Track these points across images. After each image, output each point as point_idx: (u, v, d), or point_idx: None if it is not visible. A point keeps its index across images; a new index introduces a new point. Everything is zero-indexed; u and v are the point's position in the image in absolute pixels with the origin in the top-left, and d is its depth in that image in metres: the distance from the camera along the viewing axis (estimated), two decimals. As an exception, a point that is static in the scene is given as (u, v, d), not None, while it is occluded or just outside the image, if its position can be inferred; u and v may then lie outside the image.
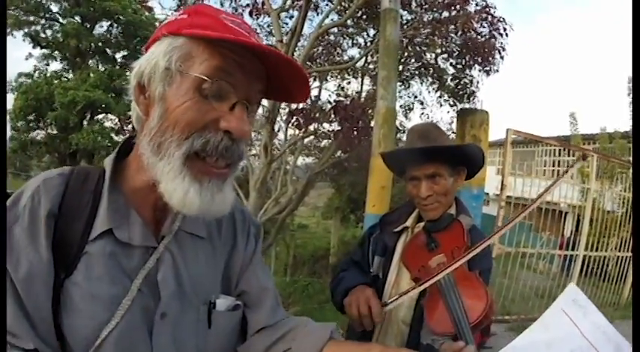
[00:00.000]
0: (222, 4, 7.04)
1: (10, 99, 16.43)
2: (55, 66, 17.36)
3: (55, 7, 16.82)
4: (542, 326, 0.77)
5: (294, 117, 6.67)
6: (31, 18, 16.61)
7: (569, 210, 7.33)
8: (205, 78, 0.67)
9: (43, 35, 17.00)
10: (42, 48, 17.03)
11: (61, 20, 16.96)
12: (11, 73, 16.98)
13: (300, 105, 6.41)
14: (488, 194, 10.02)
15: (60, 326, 0.69)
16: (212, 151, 0.68)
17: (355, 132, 6.36)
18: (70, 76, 16.89)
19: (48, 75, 16.83)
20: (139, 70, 0.72)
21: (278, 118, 7.12)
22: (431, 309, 1.25)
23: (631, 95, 11.16)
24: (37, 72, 16.93)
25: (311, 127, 7.19)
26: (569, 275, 6.06)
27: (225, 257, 0.90)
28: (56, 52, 17.16)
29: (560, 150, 10.54)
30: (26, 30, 16.56)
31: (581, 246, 5.84)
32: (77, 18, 16.66)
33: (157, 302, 0.76)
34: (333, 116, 6.91)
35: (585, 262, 5.93)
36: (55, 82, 16.18)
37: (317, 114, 7.03)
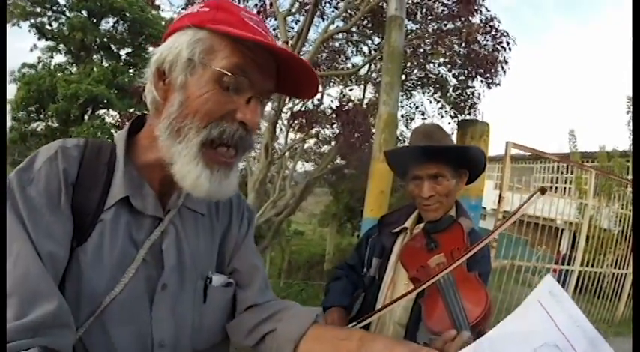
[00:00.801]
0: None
1: (13, 89, 16.47)
2: (59, 59, 17.39)
3: (62, 0, 16.88)
4: (518, 318, 0.77)
5: (296, 120, 6.69)
6: (38, 9, 16.65)
7: (565, 227, 7.34)
8: (226, 73, 0.71)
9: (49, 27, 17.03)
10: (47, 40, 17.06)
11: (67, 13, 17.02)
12: (15, 64, 17.00)
13: (303, 108, 6.42)
14: (485, 208, 10.01)
15: (63, 292, 0.69)
16: (228, 140, 0.74)
17: (356, 135, 6.38)
18: (74, 69, 16.92)
19: (52, 67, 16.86)
20: (160, 57, 0.75)
21: (279, 122, 7.12)
22: (429, 308, 1.24)
23: (630, 113, 11.21)
24: (40, 63, 16.96)
25: (312, 131, 7.22)
26: (565, 289, 6.05)
27: (220, 236, 0.94)
28: (61, 45, 17.20)
29: (559, 166, 10.58)
30: (32, 21, 16.60)
31: (576, 262, 5.84)
32: (84, 12, 16.71)
33: (159, 273, 0.80)
34: (334, 120, 6.93)
35: (580, 278, 5.92)
36: (59, 74, 16.21)
37: (319, 118, 7.05)
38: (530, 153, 5.28)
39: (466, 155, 1.48)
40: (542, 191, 1.10)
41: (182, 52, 0.73)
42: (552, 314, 0.76)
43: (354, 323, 1.34)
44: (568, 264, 6.03)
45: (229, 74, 0.71)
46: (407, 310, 1.40)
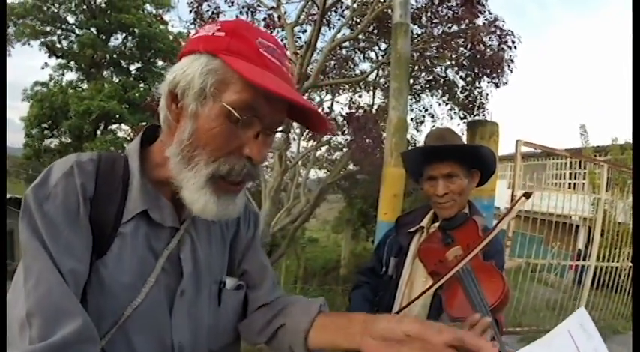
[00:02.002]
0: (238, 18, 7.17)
1: (26, 107, 16.75)
2: (71, 76, 17.68)
3: (71, 19, 17.18)
4: (546, 344, 0.77)
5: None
6: (48, 28, 16.93)
7: (580, 223, 7.28)
8: (234, 113, 0.71)
9: (59, 45, 17.32)
10: (58, 58, 17.33)
11: (77, 31, 17.29)
12: (27, 82, 17.32)
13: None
14: (499, 208, 9.96)
15: (85, 306, 0.69)
16: (235, 177, 0.75)
17: (367, 141, 6.44)
18: (85, 86, 17.16)
19: (63, 84, 17.12)
20: (174, 81, 0.75)
21: (291, 131, 7.20)
22: (449, 297, 1.30)
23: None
24: (52, 81, 17.24)
25: (324, 138, 7.29)
26: (580, 287, 6.01)
27: (230, 240, 0.98)
28: (72, 62, 17.47)
29: (571, 162, 10.52)
30: (43, 40, 16.89)
31: (592, 257, 5.80)
32: (93, 29, 16.96)
33: (178, 280, 0.82)
34: (346, 127, 6.99)
35: (597, 274, 5.87)
36: (71, 91, 16.47)
37: (330, 126, 7.12)
38: (541, 151, 5.28)
39: (477, 154, 1.55)
40: (528, 196, 1.16)
41: (194, 80, 0.73)
42: (579, 346, 0.75)
43: None
44: (584, 260, 6.00)
45: (236, 113, 0.71)
46: (425, 306, 1.45)
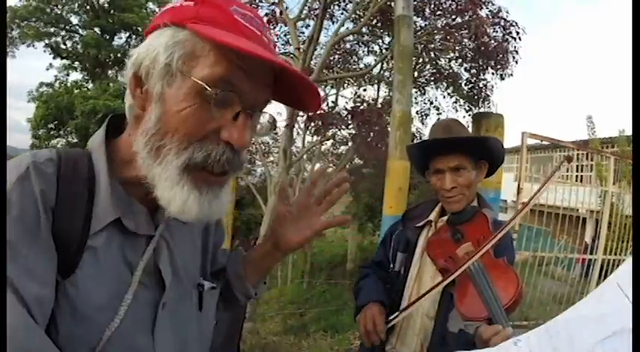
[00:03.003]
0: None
1: (32, 108, 16.86)
2: (75, 76, 17.76)
3: (75, 19, 17.24)
4: (594, 300, 0.72)
5: (313, 123, 6.76)
6: (52, 29, 17.00)
7: (588, 216, 7.23)
8: (207, 88, 0.61)
9: (63, 46, 17.39)
10: (62, 58, 17.42)
11: (80, 32, 17.35)
12: (32, 83, 17.43)
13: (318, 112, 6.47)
14: (506, 201, 9.91)
15: (55, 335, 0.60)
16: (213, 165, 0.65)
17: (372, 135, 6.42)
18: (90, 85, 17.24)
19: (68, 85, 17.21)
20: (137, 60, 0.66)
21: (296, 126, 7.20)
22: (461, 296, 1.27)
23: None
24: (57, 82, 17.33)
25: (329, 132, 7.28)
26: (587, 280, 5.98)
27: (200, 240, 0.92)
28: (76, 62, 17.55)
29: (578, 154, 10.45)
30: (47, 41, 16.96)
31: (599, 251, 5.76)
32: (97, 29, 17.02)
33: (158, 293, 0.73)
34: (350, 121, 6.97)
35: (604, 267, 5.83)
36: (76, 91, 16.55)
37: (335, 120, 7.11)
38: (547, 143, 5.23)
39: (485, 146, 1.52)
40: (569, 160, 1.13)
41: (159, 56, 0.63)
42: (630, 297, 0.69)
43: (391, 318, 1.40)
44: (591, 253, 5.96)
45: (210, 90, 0.61)
46: (435, 302, 1.43)
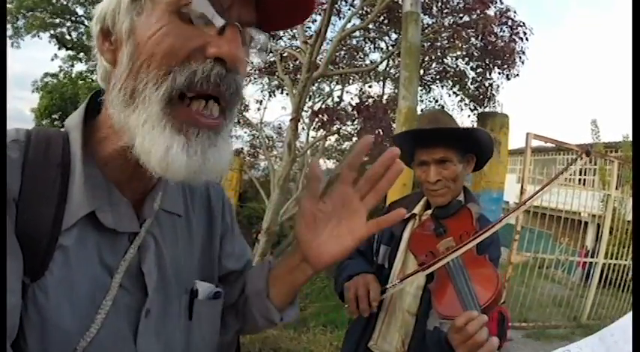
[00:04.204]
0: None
1: (36, 98, 16.88)
2: (80, 67, 17.71)
3: (80, 10, 17.19)
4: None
5: (318, 117, 6.75)
6: (57, 20, 16.99)
7: (589, 220, 7.22)
8: (183, 1, 0.53)
9: (68, 37, 17.36)
10: (67, 49, 17.41)
11: (86, 23, 17.33)
12: (37, 73, 17.46)
13: (323, 106, 6.46)
14: (508, 202, 9.90)
15: (24, 347, 0.52)
16: (202, 84, 0.53)
17: (377, 131, 6.41)
18: (94, 77, 17.22)
19: (73, 75, 17.22)
20: (101, 14, 0.59)
21: (300, 120, 7.21)
22: (439, 293, 1.23)
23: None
24: (62, 72, 17.32)
25: (334, 128, 7.28)
26: (588, 284, 5.98)
27: (201, 237, 0.78)
28: (81, 53, 17.54)
29: (582, 158, 10.39)
30: (52, 32, 16.95)
31: (600, 255, 5.76)
32: (102, 21, 17.04)
33: (142, 298, 0.63)
34: (355, 116, 6.96)
35: (604, 272, 5.84)
36: (80, 82, 16.56)
37: (340, 115, 7.11)
38: (552, 145, 5.23)
39: (472, 138, 1.46)
40: (587, 153, 1.08)
41: None
42: None
43: (387, 286, 1.34)
44: (592, 257, 5.96)
45: (187, 3, 0.53)
46: (416, 298, 1.40)
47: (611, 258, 5.93)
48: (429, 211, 1.49)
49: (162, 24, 0.53)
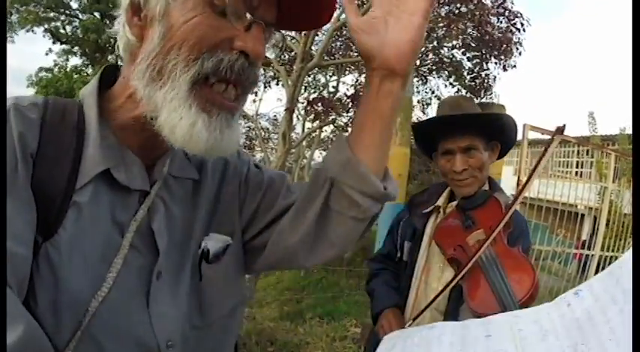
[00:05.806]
0: None
1: (31, 93, 16.79)
2: (75, 61, 17.66)
3: (74, 4, 17.10)
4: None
5: (312, 107, 6.73)
6: (52, 14, 16.88)
7: (586, 213, 7.21)
8: None
9: (62, 31, 17.27)
10: (62, 43, 17.30)
11: (80, 16, 17.23)
12: (32, 68, 17.39)
13: (318, 96, 6.43)
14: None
15: (34, 305, 0.53)
16: (226, 72, 0.59)
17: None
18: (90, 70, 17.16)
19: (68, 69, 17.13)
20: None
21: (296, 111, 7.18)
22: (472, 289, 1.16)
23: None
24: (57, 67, 17.23)
25: (329, 118, 7.27)
26: (584, 276, 5.98)
27: (213, 196, 0.78)
28: (76, 47, 17.44)
29: (579, 150, 10.42)
30: (46, 26, 16.83)
31: (597, 247, 5.76)
32: (96, 14, 16.90)
33: (153, 259, 0.65)
34: (351, 107, 6.95)
35: (601, 264, 5.84)
36: (75, 76, 16.47)
37: (335, 106, 7.09)
38: (548, 137, 5.20)
39: (498, 124, 1.41)
40: (560, 131, 1.05)
41: None
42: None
43: (406, 326, 1.27)
44: (588, 249, 5.95)
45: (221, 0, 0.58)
46: (445, 295, 1.31)
47: (608, 251, 5.93)
48: (454, 203, 1.43)
49: (197, 13, 0.58)
